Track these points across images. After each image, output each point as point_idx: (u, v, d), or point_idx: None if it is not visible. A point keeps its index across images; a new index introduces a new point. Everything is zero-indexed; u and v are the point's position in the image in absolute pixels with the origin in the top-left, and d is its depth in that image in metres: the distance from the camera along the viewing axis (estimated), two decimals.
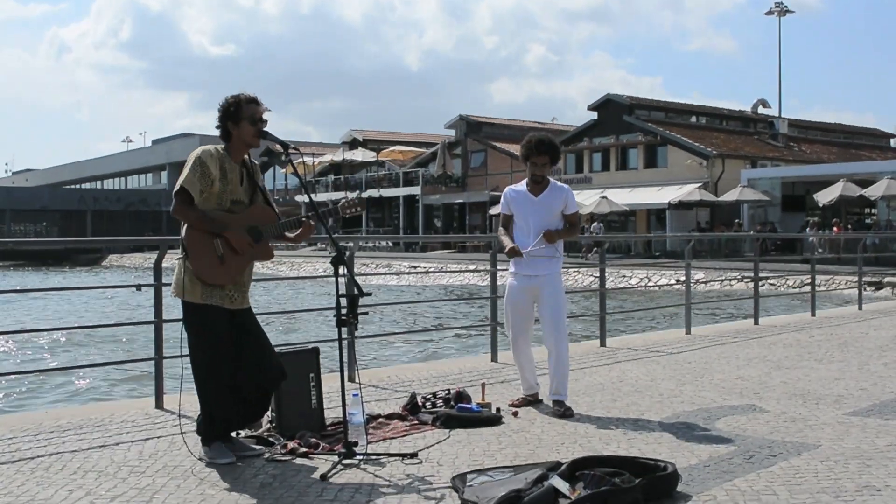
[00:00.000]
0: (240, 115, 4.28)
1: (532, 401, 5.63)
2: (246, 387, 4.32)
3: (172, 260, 4.58)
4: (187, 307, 4.27)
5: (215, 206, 4.23)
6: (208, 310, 4.24)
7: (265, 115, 4.37)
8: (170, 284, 4.48)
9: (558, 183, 5.71)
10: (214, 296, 4.25)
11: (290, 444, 4.46)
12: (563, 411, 5.33)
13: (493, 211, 39.03)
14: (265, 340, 4.44)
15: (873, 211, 34.09)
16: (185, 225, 4.21)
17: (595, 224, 36.14)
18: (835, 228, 30.09)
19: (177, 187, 4.17)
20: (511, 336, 5.70)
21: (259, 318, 4.53)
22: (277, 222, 4.40)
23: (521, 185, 5.67)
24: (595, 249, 33.57)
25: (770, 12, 49.91)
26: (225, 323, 4.28)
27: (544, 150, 5.52)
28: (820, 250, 27.12)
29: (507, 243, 5.58)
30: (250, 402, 4.37)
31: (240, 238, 4.25)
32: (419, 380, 6.63)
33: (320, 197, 46.66)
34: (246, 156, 4.41)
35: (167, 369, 5.70)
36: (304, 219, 4.47)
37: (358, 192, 4.44)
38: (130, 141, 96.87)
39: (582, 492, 3.51)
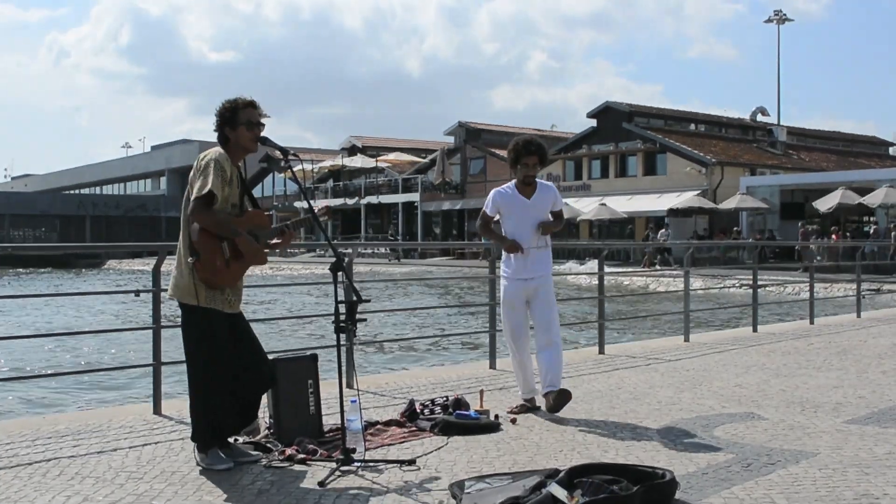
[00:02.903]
0: (237, 119, 4.24)
1: (530, 407, 5.63)
2: (240, 390, 4.32)
3: (171, 264, 4.56)
4: (189, 310, 4.25)
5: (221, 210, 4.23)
6: (210, 313, 4.24)
7: (264, 121, 4.33)
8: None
9: (543, 182, 5.82)
10: (216, 299, 4.25)
11: (288, 451, 4.45)
12: (556, 397, 5.38)
13: None
14: (258, 344, 4.46)
15: (872, 219, 34.14)
16: (194, 228, 4.14)
17: (663, 231, 35.85)
18: (833, 236, 30.11)
19: (203, 191, 4.07)
20: (509, 339, 5.73)
21: (258, 324, 4.54)
22: (271, 228, 4.43)
23: (509, 188, 5.69)
24: (658, 257, 33.41)
25: (769, 20, 50.10)
26: (225, 327, 4.28)
27: (533, 150, 5.62)
28: (819, 258, 27.12)
29: (506, 239, 5.61)
30: (244, 405, 4.38)
31: (249, 244, 4.25)
32: (417, 386, 6.62)
33: (320, 202, 46.66)
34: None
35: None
36: (285, 227, 4.48)
37: (326, 207, 4.45)
38: (130, 146, 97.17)
39: (580, 499, 3.50)
